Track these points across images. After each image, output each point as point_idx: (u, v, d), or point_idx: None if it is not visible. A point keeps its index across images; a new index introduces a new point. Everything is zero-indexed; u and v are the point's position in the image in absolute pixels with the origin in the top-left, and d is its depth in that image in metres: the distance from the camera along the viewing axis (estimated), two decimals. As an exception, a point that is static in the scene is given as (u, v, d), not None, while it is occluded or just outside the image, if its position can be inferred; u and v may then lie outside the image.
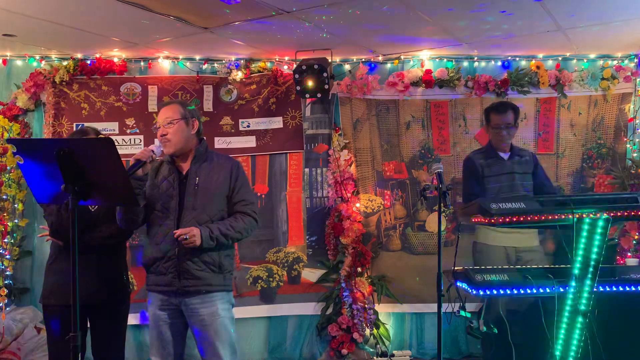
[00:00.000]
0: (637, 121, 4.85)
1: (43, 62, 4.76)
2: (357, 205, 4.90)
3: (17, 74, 4.75)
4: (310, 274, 4.92)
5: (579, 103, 4.93)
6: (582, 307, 2.79)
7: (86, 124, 4.28)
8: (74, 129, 4.58)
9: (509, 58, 4.93)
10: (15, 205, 4.58)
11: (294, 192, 4.97)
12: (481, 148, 4.23)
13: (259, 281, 4.82)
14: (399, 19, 3.95)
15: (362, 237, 4.86)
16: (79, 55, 4.74)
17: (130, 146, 4.76)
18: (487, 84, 4.87)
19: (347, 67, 5.01)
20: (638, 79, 4.85)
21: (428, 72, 4.91)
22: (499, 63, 4.95)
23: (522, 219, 2.73)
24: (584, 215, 2.74)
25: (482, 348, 4.27)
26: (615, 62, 4.88)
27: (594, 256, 2.76)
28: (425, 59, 4.96)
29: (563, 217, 2.73)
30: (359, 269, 4.80)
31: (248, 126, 4.93)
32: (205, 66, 4.92)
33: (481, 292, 2.82)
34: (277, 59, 4.96)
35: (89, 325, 3.08)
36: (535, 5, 3.67)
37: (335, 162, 4.90)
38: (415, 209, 4.99)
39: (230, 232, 2.85)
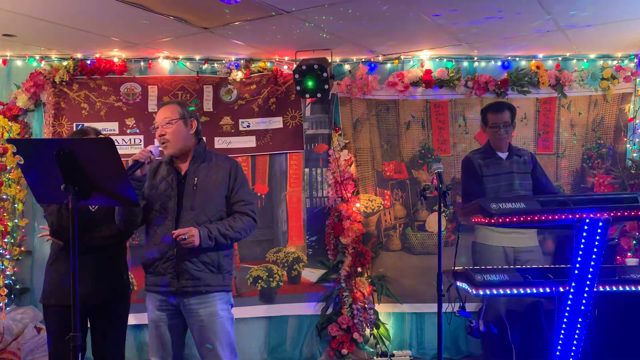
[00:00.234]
0: (637, 121, 4.84)
1: (43, 62, 4.76)
2: (357, 205, 4.90)
3: (17, 74, 4.75)
4: (310, 274, 4.91)
5: (579, 103, 4.93)
6: (582, 307, 2.78)
7: (86, 124, 4.28)
8: (74, 129, 4.57)
9: (509, 58, 4.93)
10: (15, 205, 4.58)
11: (294, 192, 4.97)
12: (479, 148, 4.24)
13: (259, 281, 4.82)
14: (399, 19, 3.95)
15: (362, 237, 4.86)
16: (79, 55, 4.74)
17: (130, 146, 4.76)
18: (487, 84, 4.87)
19: (347, 67, 5.01)
20: (638, 79, 4.85)
21: (428, 72, 4.91)
22: (499, 63, 4.95)
23: (522, 219, 2.73)
24: (584, 215, 2.74)
25: (482, 348, 4.27)
26: (615, 62, 4.88)
27: (593, 256, 2.75)
28: (425, 59, 4.96)
29: (563, 217, 2.73)
30: (359, 269, 4.81)
31: (248, 126, 4.93)
32: (205, 66, 4.92)
33: (481, 292, 2.82)
34: (277, 59, 4.96)
35: (89, 326, 3.08)
36: (536, 5, 3.67)
37: (335, 162, 4.90)
38: (415, 209, 4.99)
39: (229, 232, 2.85)
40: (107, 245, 3.03)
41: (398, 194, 5.01)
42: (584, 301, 2.78)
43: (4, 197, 4.54)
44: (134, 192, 2.46)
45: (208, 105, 4.90)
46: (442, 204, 2.99)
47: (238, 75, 4.90)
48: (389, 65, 5.02)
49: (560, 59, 4.92)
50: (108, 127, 4.73)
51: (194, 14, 3.81)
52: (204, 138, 3.10)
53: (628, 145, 4.86)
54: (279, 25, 4.04)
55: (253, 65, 4.93)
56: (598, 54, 4.89)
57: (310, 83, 4.53)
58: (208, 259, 2.84)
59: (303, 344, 4.86)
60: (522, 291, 2.83)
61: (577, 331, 2.82)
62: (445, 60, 4.97)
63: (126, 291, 3.17)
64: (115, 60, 4.78)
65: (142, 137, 4.79)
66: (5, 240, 4.51)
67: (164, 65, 4.89)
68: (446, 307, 2.95)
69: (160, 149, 2.86)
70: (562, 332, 2.86)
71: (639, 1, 3.67)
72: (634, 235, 4.59)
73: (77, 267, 2.23)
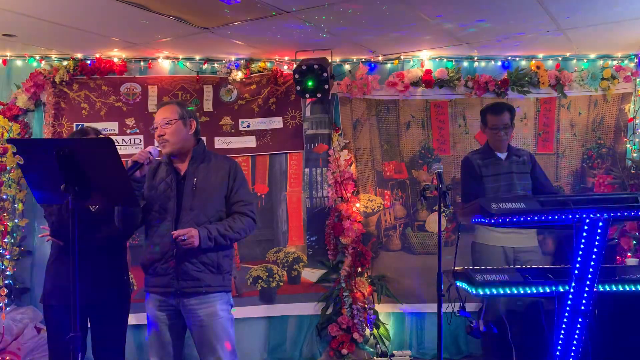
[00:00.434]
0: (637, 121, 4.84)
1: (43, 62, 4.76)
2: (357, 205, 4.90)
3: (17, 74, 4.75)
4: (310, 274, 4.92)
5: (579, 103, 4.93)
6: (582, 307, 2.78)
7: (86, 124, 4.27)
8: (74, 129, 4.58)
9: (509, 58, 4.93)
10: (15, 205, 4.58)
11: (294, 192, 4.97)
12: (478, 148, 4.25)
13: (259, 281, 4.82)
14: (399, 19, 3.95)
15: (362, 237, 4.86)
16: (79, 55, 4.74)
17: (130, 146, 4.76)
18: (487, 84, 4.87)
19: (347, 67, 5.01)
20: (638, 79, 4.85)
21: (428, 72, 4.91)
22: (499, 63, 4.95)
23: (522, 219, 2.73)
24: (584, 215, 2.74)
25: (482, 348, 4.28)
26: (615, 62, 4.87)
27: (593, 256, 2.75)
28: (425, 59, 4.96)
29: (563, 217, 2.73)
30: (359, 269, 4.81)
31: (248, 126, 4.93)
32: (205, 66, 4.92)
33: (481, 292, 2.82)
34: (277, 59, 4.96)
35: (89, 326, 3.08)
36: (536, 5, 3.67)
37: (335, 162, 4.90)
38: (415, 209, 4.99)
39: (229, 232, 2.84)
40: (107, 246, 3.03)
41: (398, 194, 5.01)
42: (584, 301, 2.78)
43: (4, 197, 4.54)
44: (134, 192, 2.46)
45: (208, 105, 4.90)
46: (442, 204, 2.99)
47: (238, 75, 4.90)
48: (389, 65, 5.02)
49: (560, 59, 4.92)
50: (108, 127, 4.73)
51: (194, 14, 3.81)
52: (204, 138, 3.10)
53: (628, 145, 4.86)
54: (279, 25, 4.04)
55: (253, 65, 4.93)
56: (598, 54, 4.89)
57: (310, 83, 4.53)
58: (208, 260, 2.84)
59: (303, 344, 4.86)
60: (522, 291, 2.83)
61: (577, 331, 2.82)
62: (445, 60, 4.97)
63: (126, 291, 3.17)
64: (115, 60, 4.78)
65: (142, 137, 4.79)
66: (5, 240, 4.52)
67: (164, 65, 4.89)
68: (446, 307, 2.95)
69: (159, 150, 2.86)
70: (562, 332, 2.86)
71: (639, 1, 3.67)
72: (634, 235, 4.59)
73: (77, 267, 2.23)
